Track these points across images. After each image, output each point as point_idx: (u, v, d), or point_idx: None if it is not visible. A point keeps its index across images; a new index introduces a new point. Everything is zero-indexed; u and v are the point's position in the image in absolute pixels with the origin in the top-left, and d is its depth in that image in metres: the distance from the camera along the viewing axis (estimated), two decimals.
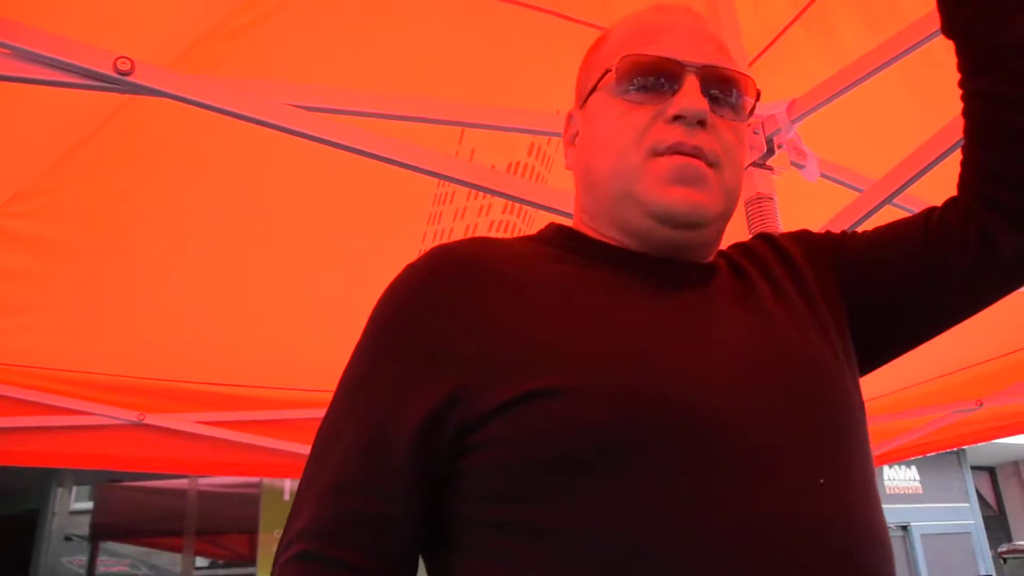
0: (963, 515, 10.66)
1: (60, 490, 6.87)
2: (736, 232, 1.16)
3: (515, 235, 1.42)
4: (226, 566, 7.02)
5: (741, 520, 0.62)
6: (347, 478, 0.69)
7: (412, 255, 0.77)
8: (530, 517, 0.64)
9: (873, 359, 0.86)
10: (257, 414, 2.48)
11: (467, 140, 2.05)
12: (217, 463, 2.46)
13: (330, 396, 0.75)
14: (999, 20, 0.76)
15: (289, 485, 6.65)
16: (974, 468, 11.15)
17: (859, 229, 1.00)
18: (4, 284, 1.94)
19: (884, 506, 0.71)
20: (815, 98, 1.49)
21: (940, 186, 1.05)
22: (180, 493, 6.74)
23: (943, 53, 0.88)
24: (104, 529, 6.72)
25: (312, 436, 0.74)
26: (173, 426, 2.33)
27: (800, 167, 1.53)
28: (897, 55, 1.38)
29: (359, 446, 0.69)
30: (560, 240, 0.82)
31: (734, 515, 0.62)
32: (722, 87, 0.78)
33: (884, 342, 0.86)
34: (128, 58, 1.18)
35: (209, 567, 7.03)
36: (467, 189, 2.08)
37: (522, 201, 1.46)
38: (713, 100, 0.77)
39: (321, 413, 0.74)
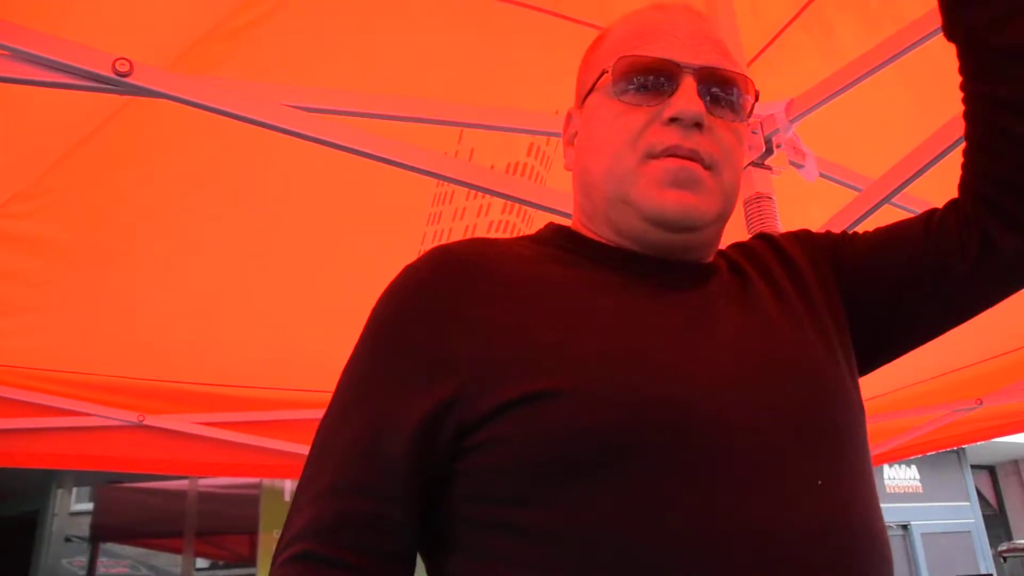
0: (963, 514, 10.66)
1: (60, 491, 6.87)
2: (735, 232, 1.16)
3: (514, 235, 1.42)
4: (226, 567, 7.02)
5: (740, 521, 0.62)
6: (346, 478, 0.69)
7: (411, 255, 0.77)
8: (530, 518, 0.64)
9: (872, 360, 0.86)
10: (257, 415, 2.49)
11: (466, 140, 2.05)
12: (217, 464, 2.46)
13: (329, 396, 0.75)
14: (1000, 24, 0.75)
15: (289, 486, 6.64)
16: (974, 467, 11.16)
17: (858, 228, 1.00)
18: (4, 285, 1.94)
19: (884, 505, 0.71)
20: (813, 98, 1.49)
21: (939, 185, 1.05)
22: (180, 494, 6.74)
23: (941, 52, 0.88)
24: (104, 530, 6.72)
25: (312, 436, 0.74)
26: (173, 427, 2.34)
27: (799, 166, 1.53)
28: (895, 54, 1.38)
29: (358, 446, 0.69)
30: (559, 241, 0.82)
31: (733, 516, 0.62)
32: (720, 88, 0.77)
33: (884, 343, 0.86)
34: (127, 59, 1.18)
35: (209, 568, 7.02)
36: (466, 189, 2.08)
37: (521, 201, 1.46)
38: (711, 101, 0.76)
39: (321, 413, 0.75)
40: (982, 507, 10.95)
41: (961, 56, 0.79)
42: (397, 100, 1.38)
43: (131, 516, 6.76)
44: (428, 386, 0.68)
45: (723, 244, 0.86)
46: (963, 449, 10.57)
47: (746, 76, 0.80)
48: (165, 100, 1.24)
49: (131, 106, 1.71)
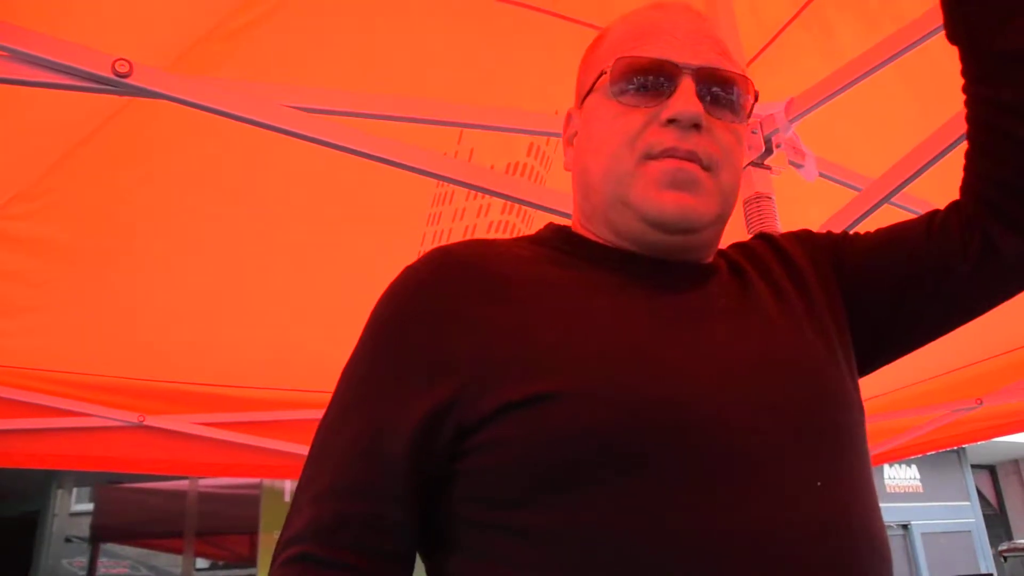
0: (963, 513, 10.66)
1: (60, 492, 6.87)
2: (735, 232, 1.16)
3: (514, 235, 1.42)
4: (226, 567, 7.02)
5: (740, 521, 0.62)
6: (346, 479, 0.69)
7: (411, 256, 0.77)
8: (530, 518, 0.64)
9: (873, 360, 0.86)
10: (257, 415, 2.49)
11: (466, 140, 2.05)
12: (217, 464, 2.46)
13: (329, 397, 0.75)
14: (1001, 26, 0.75)
15: (289, 486, 6.64)
16: (974, 466, 11.15)
17: (859, 228, 1.00)
18: (4, 285, 1.94)
19: (884, 505, 0.71)
20: (813, 97, 1.49)
21: (939, 185, 1.05)
22: (180, 494, 6.74)
23: (941, 52, 0.88)
24: (104, 531, 6.72)
25: (312, 437, 0.74)
26: (173, 427, 2.34)
27: (798, 166, 1.53)
28: (895, 54, 1.38)
29: (358, 447, 0.69)
30: (558, 241, 0.82)
31: (733, 516, 0.62)
32: (719, 88, 0.77)
33: (884, 343, 0.86)
34: (126, 60, 1.18)
35: (210, 568, 7.03)
36: (466, 190, 2.08)
37: (521, 202, 1.46)
38: (710, 101, 0.76)
39: (321, 414, 0.74)
40: (982, 507, 10.95)
41: (964, 59, 0.79)
42: (397, 100, 1.38)
43: (131, 516, 6.76)
44: (428, 387, 0.68)
45: (723, 244, 0.86)
46: (963, 449, 10.57)
47: (745, 76, 0.79)
48: (165, 101, 1.24)
49: (131, 106, 1.71)
